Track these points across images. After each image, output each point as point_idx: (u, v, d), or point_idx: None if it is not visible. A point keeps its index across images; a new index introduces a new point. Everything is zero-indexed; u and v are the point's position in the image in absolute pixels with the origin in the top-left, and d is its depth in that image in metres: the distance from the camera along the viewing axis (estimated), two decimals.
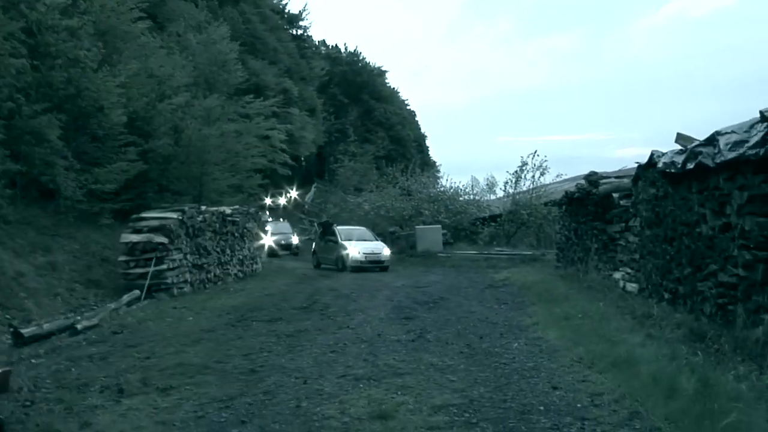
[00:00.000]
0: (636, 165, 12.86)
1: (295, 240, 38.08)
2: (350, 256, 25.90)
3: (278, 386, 7.04)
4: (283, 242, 36.45)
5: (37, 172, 16.72)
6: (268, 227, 35.76)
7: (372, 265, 25.67)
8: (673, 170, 9.89)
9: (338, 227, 29.14)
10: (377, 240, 28.73)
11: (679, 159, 9.55)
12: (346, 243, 26.73)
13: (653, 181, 11.50)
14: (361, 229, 29.93)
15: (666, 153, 10.55)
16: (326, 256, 28.06)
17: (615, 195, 14.90)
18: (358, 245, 26.50)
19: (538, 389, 6.71)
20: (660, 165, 10.53)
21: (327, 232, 28.74)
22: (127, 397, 6.78)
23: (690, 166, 9.10)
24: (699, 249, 9.25)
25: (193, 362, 8.27)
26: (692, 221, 9.51)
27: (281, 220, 43.01)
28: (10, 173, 15.55)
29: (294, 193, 52.38)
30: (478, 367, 7.79)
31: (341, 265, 26.20)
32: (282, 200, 49.57)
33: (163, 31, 30.92)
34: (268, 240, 34.03)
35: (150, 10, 26.10)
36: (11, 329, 10.73)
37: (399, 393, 6.66)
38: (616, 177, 16.35)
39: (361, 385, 6.99)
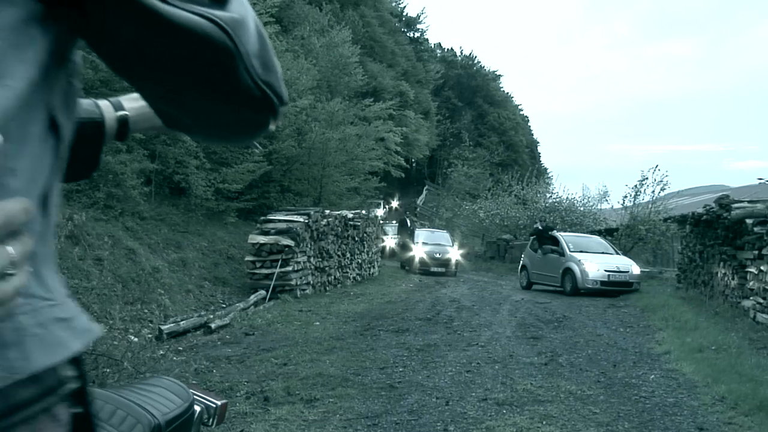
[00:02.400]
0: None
1: (453, 254, 29.10)
2: (587, 274, 19.53)
3: (421, 405, 7.02)
4: (438, 255, 28.32)
5: (171, 171, 17.42)
6: (419, 236, 29.82)
7: (617, 288, 19.35)
8: None
9: (563, 234, 22.89)
10: (618, 253, 21.71)
11: None
12: (576, 255, 20.35)
13: None
14: (595, 239, 23.29)
15: None
16: (543, 272, 21.79)
17: (749, 221, 14.21)
18: (595, 259, 20.08)
19: (683, 429, 6.43)
20: None
21: (544, 241, 22.43)
22: (273, 405, 6.90)
23: None
24: None
25: (331, 373, 8.35)
26: None
27: (436, 227, 37.11)
28: (146, 172, 16.24)
29: (395, 203, 46.68)
30: (618, 399, 7.55)
31: (570, 286, 19.89)
32: (380, 212, 37.15)
33: (288, 34, 31.58)
34: (418, 251, 28.19)
35: (277, 14, 26.70)
36: (151, 324, 11.21)
37: (544, 423, 6.51)
38: (749, 201, 15.58)
39: (504, 411, 6.88)
